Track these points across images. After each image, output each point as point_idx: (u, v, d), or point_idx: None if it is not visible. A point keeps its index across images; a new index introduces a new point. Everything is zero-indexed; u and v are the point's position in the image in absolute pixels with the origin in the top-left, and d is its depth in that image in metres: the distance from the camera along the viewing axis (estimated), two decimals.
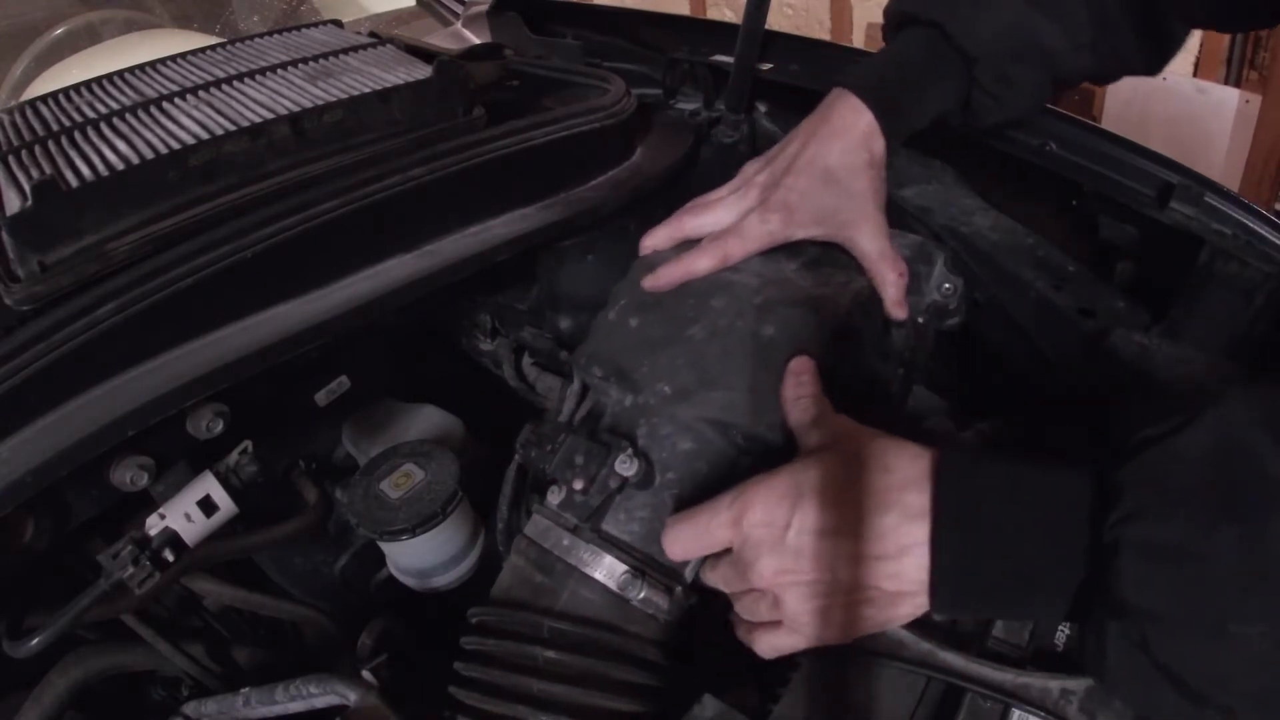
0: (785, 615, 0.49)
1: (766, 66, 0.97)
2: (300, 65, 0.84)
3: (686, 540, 0.52)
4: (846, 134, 0.66)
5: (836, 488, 0.47)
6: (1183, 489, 0.38)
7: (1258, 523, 0.36)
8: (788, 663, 0.56)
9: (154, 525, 0.65)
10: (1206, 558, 0.36)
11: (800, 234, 0.66)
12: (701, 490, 0.59)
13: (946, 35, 0.66)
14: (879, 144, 0.66)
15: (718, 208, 0.68)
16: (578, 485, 0.57)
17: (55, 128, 0.74)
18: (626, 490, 0.58)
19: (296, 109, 0.72)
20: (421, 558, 0.72)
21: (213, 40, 1.33)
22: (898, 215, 0.88)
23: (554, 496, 0.59)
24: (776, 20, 3.52)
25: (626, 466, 0.56)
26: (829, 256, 0.67)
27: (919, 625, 0.55)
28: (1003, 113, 0.71)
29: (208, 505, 0.68)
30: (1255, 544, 0.36)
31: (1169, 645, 0.37)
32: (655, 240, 0.69)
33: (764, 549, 0.48)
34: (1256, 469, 0.37)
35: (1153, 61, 0.71)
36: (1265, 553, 0.36)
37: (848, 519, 0.46)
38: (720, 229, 0.66)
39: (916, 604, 0.47)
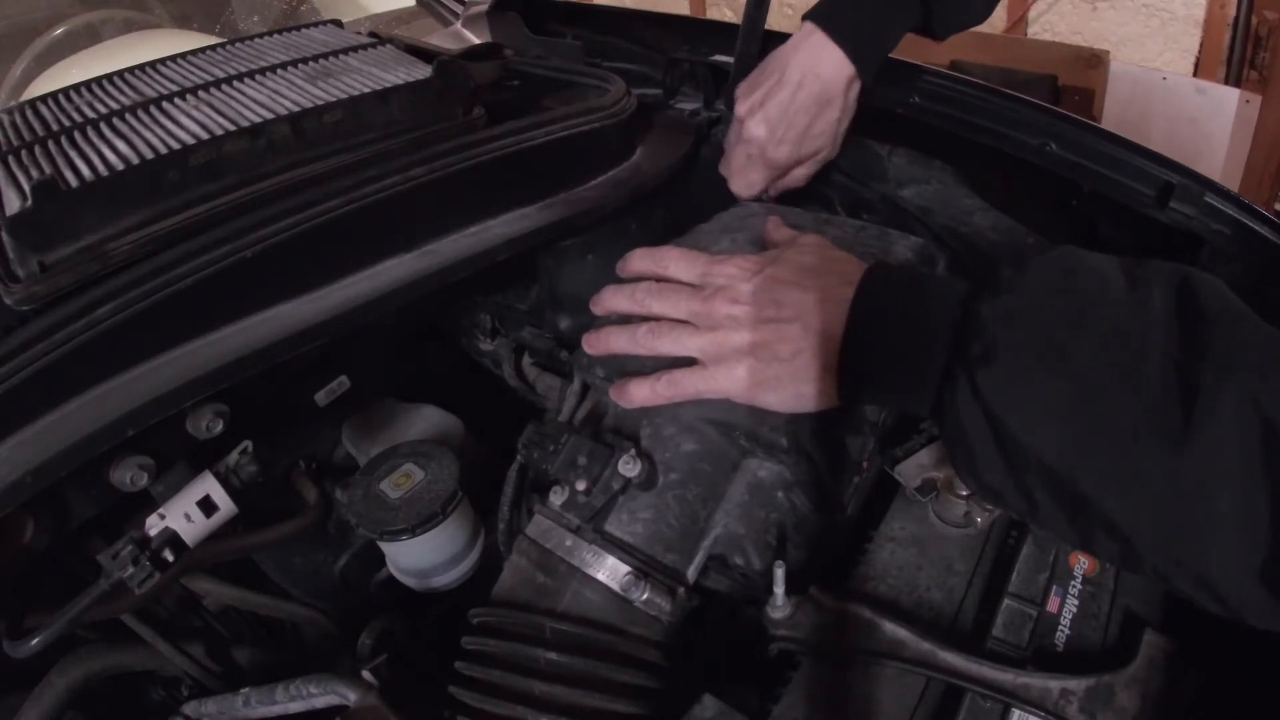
0: (712, 344, 0.57)
1: None
2: (300, 65, 0.83)
3: (663, 257, 0.62)
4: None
5: (798, 260, 0.59)
6: (1032, 273, 0.47)
7: (1085, 298, 0.44)
8: (788, 663, 0.56)
9: (154, 525, 0.65)
10: (1034, 312, 0.45)
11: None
12: (705, 491, 0.59)
13: None
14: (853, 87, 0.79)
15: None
16: (580, 486, 0.57)
17: (55, 128, 0.74)
18: (630, 491, 0.58)
19: (296, 109, 0.72)
20: (421, 558, 0.72)
21: (213, 40, 1.33)
22: (898, 215, 0.88)
23: (556, 497, 0.59)
24: (776, 20, 3.52)
25: (630, 467, 0.56)
26: None
27: (919, 625, 0.55)
28: (957, 30, 0.82)
29: (208, 505, 0.67)
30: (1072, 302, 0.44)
31: (993, 389, 0.44)
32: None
33: (731, 279, 0.59)
34: (1090, 263, 0.46)
35: None
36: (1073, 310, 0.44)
37: (803, 280, 0.57)
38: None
39: (825, 367, 0.54)
